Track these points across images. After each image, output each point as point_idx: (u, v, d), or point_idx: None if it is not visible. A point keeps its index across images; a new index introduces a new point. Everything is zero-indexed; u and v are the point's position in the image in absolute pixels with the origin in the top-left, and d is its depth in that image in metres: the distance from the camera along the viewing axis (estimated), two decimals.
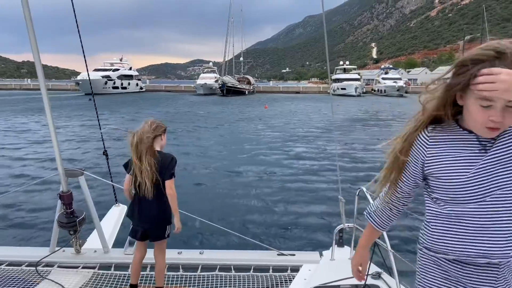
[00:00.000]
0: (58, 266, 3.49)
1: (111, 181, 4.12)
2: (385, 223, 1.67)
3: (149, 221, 3.04)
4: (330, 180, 9.71)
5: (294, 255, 3.67)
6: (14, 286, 3.14)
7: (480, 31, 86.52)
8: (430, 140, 1.41)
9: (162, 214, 3.05)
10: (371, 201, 2.90)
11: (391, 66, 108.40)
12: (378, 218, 1.68)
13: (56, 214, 3.40)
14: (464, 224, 1.36)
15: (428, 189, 1.48)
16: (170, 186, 2.98)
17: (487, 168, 1.30)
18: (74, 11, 3.47)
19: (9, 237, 6.22)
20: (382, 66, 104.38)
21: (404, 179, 1.52)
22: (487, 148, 1.32)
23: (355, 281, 2.90)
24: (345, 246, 3.55)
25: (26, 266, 3.45)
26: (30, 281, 3.24)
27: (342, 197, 3.50)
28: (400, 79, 77.24)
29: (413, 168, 1.48)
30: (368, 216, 1.72)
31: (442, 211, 1.41)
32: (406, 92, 75.18)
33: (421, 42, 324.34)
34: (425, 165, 1.43)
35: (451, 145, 1.38)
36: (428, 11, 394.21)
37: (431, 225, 1.46)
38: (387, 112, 35.06)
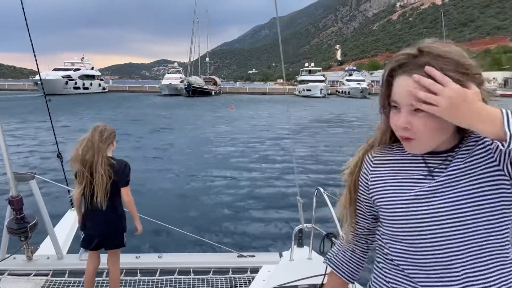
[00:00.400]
0: (9, 274, 3.36)
1: (66, 185, 3.98)
2: (348, 268, 1.34)
3: (105, 231, 3.00)
4: (291, 182, 9.74)
5: (254, 256, 3.67)
6: None
7: (438, 35, 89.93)
8: (374, 162, 1.18)
9: (119, 223, 3.02)
10: (328, 201, 3.14)
11: (354, 68, 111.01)
12: (339, 261, 1.36)
13: (5, 220, 3.27)
14: (411, 273, 1.06)
15: (378, 224, 1.21)
16: (126, 193, 2.96)
17: (430, 198, 1.03)
18: (23, 8, 3.33)
19: None
20: (346, 68, 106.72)
21: (359, 211, 1.26)
22: (434, 174, 1.05)
23: (312, 281, 2.96)
24: (304, 246, 3.57)
25: None
26: None
27: (300, 198, 3.55)
28: (363, 81, 79.24)
29: (363, 196, 1.23)
30: (328, 261, 1.40)
31: (388, 251, 1.12)
32: (370, 94, 77.13)
33: (384, 44, 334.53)
34: (370, 191, 1.18)
35: (394, 168, 1.13)
36: (389, 15, 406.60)
37: (376, 269, 1.19)
38: (351, 113, 35.79)
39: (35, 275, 3.37)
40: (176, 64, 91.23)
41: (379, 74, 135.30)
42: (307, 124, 24.97)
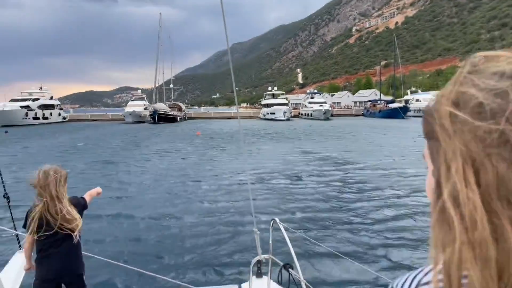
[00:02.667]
0: None
1: (14, 228, 3.73)
2: None
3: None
4: (246, 211, 9.55)
5: None
6: None
7: (393, 57, 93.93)
8: None
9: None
10: (284, 232, 3.21)
11: (316, 90, 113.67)
12: None
13: None
14: None
15: None
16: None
17: None
18: None
19: None
20: (308, 91, 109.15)
21: None
22: None
23: None
24: (263, 277, 3.57)
25: None
26: None
27: (257, 229, 3.56)
28: (325, 103, 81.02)
29: None
30: None
31: None
32: (332, 115, 78.94)
33: (343, 67, 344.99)
34: None
35: None
36: (346, 38, 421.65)
37: None
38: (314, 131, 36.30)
39: None
40: (139, 91, 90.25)
41: (339, 96, 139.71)
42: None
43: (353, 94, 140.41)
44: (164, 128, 51.77)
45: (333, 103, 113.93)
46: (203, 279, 5.92)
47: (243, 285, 3.59)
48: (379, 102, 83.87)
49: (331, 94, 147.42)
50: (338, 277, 6.07)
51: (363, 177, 14.05)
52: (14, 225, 3.73)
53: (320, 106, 75.32)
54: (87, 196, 3.19)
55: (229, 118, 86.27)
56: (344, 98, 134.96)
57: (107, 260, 3.83)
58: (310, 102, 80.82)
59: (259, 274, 3.57)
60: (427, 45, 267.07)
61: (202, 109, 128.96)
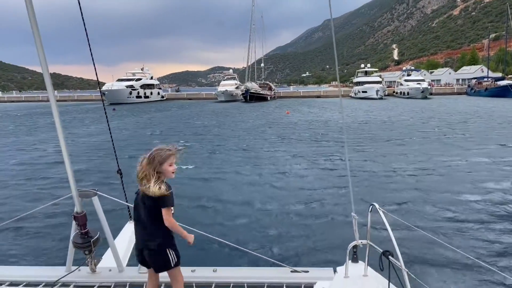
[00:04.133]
0: (75, 286, 3.46)
1: (126, 200, 4.05)
2: None
3: None
4: (343, 194, 9.41)
5: (307, 271, 3.58)
6: None
7: (505, 29, 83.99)
8: None
9: None
10: (383, 218, 3.07)
11: (413, 67, 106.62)
12: None
13: (71, 234, 3.38)
14: None
15: None
16: None
17: None
18: (84, 24, 3.42)
19: (27, 258, 6.32)
20: (404, 68, 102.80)
21: None
22: None
23: None
24: (359, 262, 3.46)
25: (44, 286, 3.44)
26: None
27: (355, 214, 3.43)
28: (423, 80, 75.89)
29: None
30: None
31: None
32: (431, 94, 73.74)
33: (444, 42, 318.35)
34: None
35: None
36: (450, 10, 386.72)
37: None
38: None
39: (98, 287, 3.46)
40: (231, 70, 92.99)
41: (439, 73, 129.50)
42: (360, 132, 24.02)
43: (456, 71, 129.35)
44: (256, 107, 52.75)
45: (432, 80, 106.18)
46: (298, 260, 5.96)
47: (338, 268, 3.50)
48: (485, 79, 76.14)
49: (429, 71, 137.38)
50: (442, 267, 5.72)
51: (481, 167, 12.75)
52: (126, 198, 4.04)
53: (418, 84, 70.79)
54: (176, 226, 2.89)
55: (318, 97, 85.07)
56: (445, 75, 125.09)
57: (206, 234, 3.89)
58: (406, 80, 76.27)
59: (355, 259, 3.47)
60: None
61: (292, 88, 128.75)
